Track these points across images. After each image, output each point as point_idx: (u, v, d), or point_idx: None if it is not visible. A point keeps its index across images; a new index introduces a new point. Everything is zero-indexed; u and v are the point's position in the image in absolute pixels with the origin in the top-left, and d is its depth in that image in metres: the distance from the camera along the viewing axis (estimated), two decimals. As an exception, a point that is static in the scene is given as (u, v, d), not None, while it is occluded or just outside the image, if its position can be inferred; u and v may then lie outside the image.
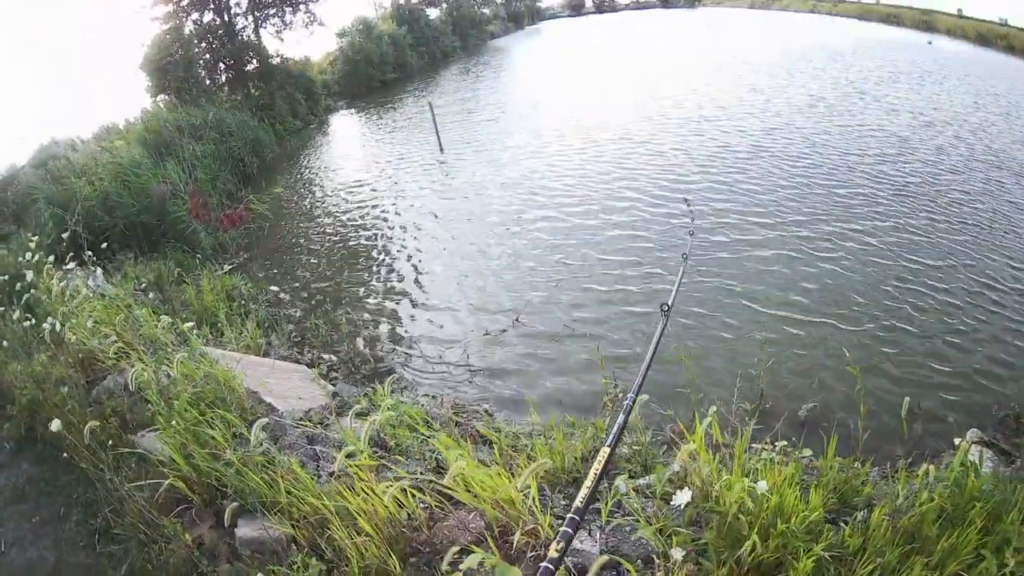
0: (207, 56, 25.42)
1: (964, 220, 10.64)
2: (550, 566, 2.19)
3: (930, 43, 31.71)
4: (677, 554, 2.80)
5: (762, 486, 3.12)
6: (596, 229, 11.50)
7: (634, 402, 3.08)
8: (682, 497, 2.86)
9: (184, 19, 24.41)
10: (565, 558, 2.49)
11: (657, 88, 23.12)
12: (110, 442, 5.08)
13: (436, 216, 13.72)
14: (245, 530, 4.13)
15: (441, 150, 19.11)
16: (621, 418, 2.97)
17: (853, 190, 12.19)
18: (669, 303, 4.05)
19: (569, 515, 2.40)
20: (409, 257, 11.70)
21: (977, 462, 3.70)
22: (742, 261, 9.72)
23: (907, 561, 3.10)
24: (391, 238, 12.80)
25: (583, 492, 2.51)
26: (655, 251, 10.26)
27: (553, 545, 2.26)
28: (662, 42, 39.96)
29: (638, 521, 3.25)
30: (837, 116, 17.53)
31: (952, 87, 20.95)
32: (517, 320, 8.91)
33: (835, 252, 9.75)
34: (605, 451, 2.72)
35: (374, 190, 16.35)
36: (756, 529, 3.04)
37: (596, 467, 2.64)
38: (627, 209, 12.26)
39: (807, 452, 4.02)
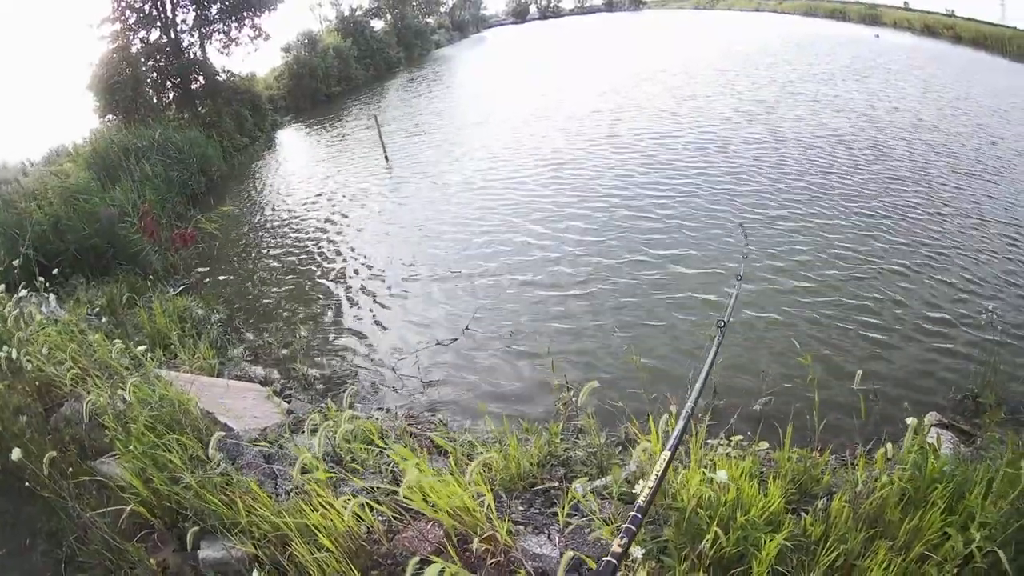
0: (154, 75, 25.20)
1: (918, 212, 10.85)
2: (613, 560, 2.23)
3: (877, 36, 32.22)
4: (637, 552, 2.79)
5: (721, 475, 3.13)
6: (543, 238, 11.54)
7: (693, 410, 3.10)
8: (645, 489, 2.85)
9: (131, 38, 24.16)
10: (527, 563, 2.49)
11: (600, 99, 22.93)
12: (70, 469, 5.00)
13: (383, 230, 13.69)
14: (208, 552, 4.09)
15: (386, 160, 19.16)
16: (681, 424, 2.98)
17: (804, 186, 12.39)
18: (725, 320, 4.07)
19: (632, 514, 2.43)
20: (358, 272, 11.65)
21: (936, 444, 3.73)
22: (695, 261, 9.83)
23: (871, 545, 3.12)
24: (340, 254, 12.74)
25: (645, 493, 2.55)
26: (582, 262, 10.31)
27: (616, 541, 2.29)
28: (607, 48, 39.93)
29: (595, 522, 3.25)
30: (780, 120, 17.48)
31: (900, 80, 21.27)
32: (467, 329, 8.90)
33: (785, 245, 9.93)
34: (666, 455, 2.74)
35: (321, 206, 16.25)
36: (716, 522, 3.05)
37: (658, 469, 2.67)
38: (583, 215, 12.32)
39: (763, 445, 4.04)
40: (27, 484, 5.22)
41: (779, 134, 16.11)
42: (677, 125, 18.11)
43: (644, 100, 21.77)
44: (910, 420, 3.82)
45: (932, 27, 32.25)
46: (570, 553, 2.63)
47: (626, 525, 2.38)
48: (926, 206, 11.03)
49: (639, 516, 2.44)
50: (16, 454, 4.75)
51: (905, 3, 36.66)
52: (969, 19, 30.34)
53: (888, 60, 24.76)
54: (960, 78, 21.24)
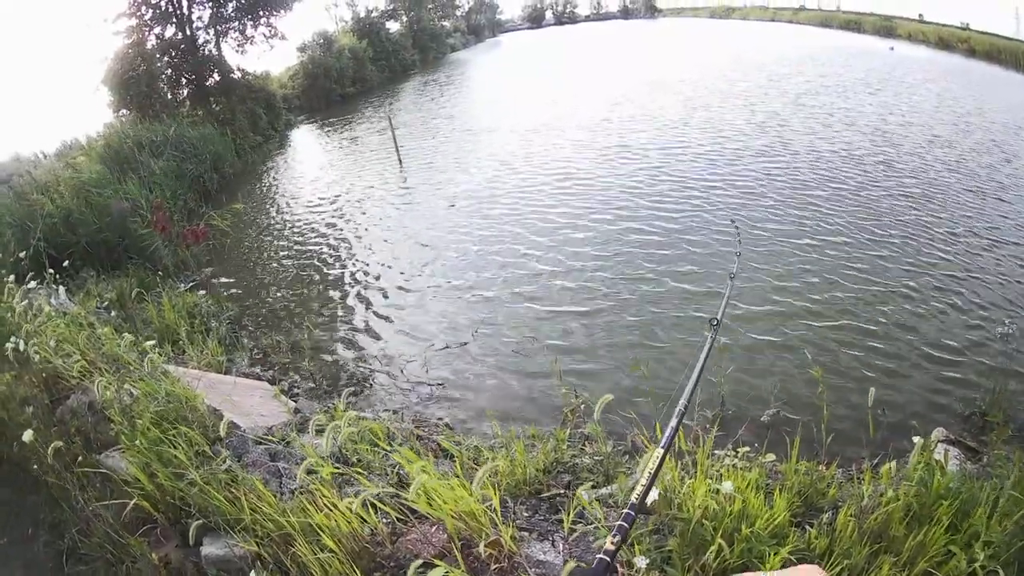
0: (169, 71, 25.31)
1: (929, 231, 10.73)
2: (606, 557, 2.25)
3: (892, 49, 32.13)
4: (641, 562, 2.78)
5: (727, 487, 3.13)
6: (549, 249, 11.50)
7: (686, 409, 3.10)
8: (651, 495, 2.85)
9: (147, 33, 24.28)
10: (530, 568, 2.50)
11: (612, 108, 22.74)
12: (78, 459, 5.03)
13: (395, 231, 13.75)
14: (210, 548, 4.10)
15: (400, 164, 19.20)
16: (674, 421, 2.99)
17: (814, 202, 12.34)
18: (718, 317, 4.03)
19: (625, 511, 2.45)
20: (368, 273, 11.69)
21: (943, 460, 3.72)
22: (704, 270, 9.90)
23: (875, 561, 3.11)
24: (351, 254, 12.79)
25: (638, 490, 2.57)
26: (591, 270, 10.34)
27: (609, 538, 2.33)
28: (622, 56, 39.71)
29: (600, 530, 3.24)
30: (792, 133, 17.28)
31: (914, 94, 21.21)
32: (476, 332, 8.93)
33: (792, 263, 9.92)
34: (659, 452, 2.74)
35: (333, 206, 16.31)
36: (720, 534, 3.04)
37: (651, 466, 2.66)
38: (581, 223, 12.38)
39: (770, 457, 4.03)
40: (34, 467, 5.26)
41: (790, 148, 15.96)
42: (688, 136, 17.97)
43: (656, 110, 21.64)
44: (917, 439, 3.81)
45: (946, 40, 32.16)
46: (572, 563, 2.63)
47: (619, 523, 2.39)
48: (937, 225, 10.90)
49: (632, 513, 2.45)
50: (28, 435, 4.78)
51: (920, 16, 36.57)
52: (984, 32, 30.25)
53: (903, 73, 24.63)
54: (975, 92, 21.10)
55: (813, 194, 12.70)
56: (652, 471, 2.67)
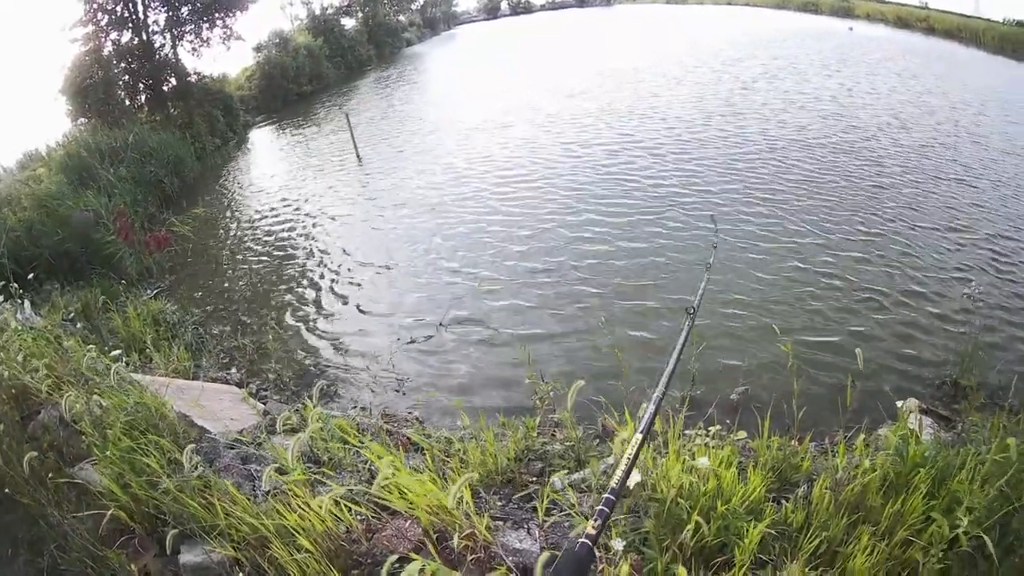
0: (126, 77, 24.94)
1: (891, 200, 10.91)
2: (588, 541, 2.19)
3: (851, 29, 32.46)
4: (618, 544, 2.78)
5: (703, 462, 3.12)
6: (516, 241, 11.49)
7: (664, 393, 3.01)
8: (633, 478, 2.84)
9: (103, 40, 23.91)
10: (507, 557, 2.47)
11: (563, 101, 22.48)
12: (50, 475, 4.96)
13: (356, 229, 13.71)
14: (188, 556, 4.05)
15: (359, 160, 19.17)
16: (652, 407, 2.94)
17: (772, 191, 12.33)
18: (695, 305, 4.03)
19: (605, 495, 2.38)
20: (331, 272, 11.65)
21: (917, 429, 3.74)
22: (672, 260, 9.94)
23: (853, 531, 3.12)
24: (313, 254, 12.73)
25: (618, 474, 2.50)
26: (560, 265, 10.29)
27: (590, 522, 2.26)
28: (576, 45, 39.52)
29: (575, 516, 3.22)
30: (748, 123, 17.09)
31: (873, 75, 21.39)
32: (440, 325, 8.96)
33: (754, 241, 10.06)
34: (637, 437, 2.71)
35: (294, 206, 16.20)
36: (697, 512, 3.03)
37: (629, 451, 2.63)
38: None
39: (742, 434, 4.03)
40: (7, 491, 5.18)
41: (747, 137, 15.88)
42: (639, 130, 17.71)
43: (607, 103, 21.41)
44: (900, 403, 3.84)
45: (905, 19, 32.53)
46: (547, 553, 2.62)
47: (600, 507, 2.37)
48: (899, 208, 11.04)
49: (612, 498, 2.43)
50: (0, 453, 4.73)
51: (879, -5, 36.99)
52: (944, 11, 30.58)
53: (862, 54, 24.81)
54: (935, 71, 21.31)
55: (771, 184, 12.68)
56: (631, 456, 2.65)
